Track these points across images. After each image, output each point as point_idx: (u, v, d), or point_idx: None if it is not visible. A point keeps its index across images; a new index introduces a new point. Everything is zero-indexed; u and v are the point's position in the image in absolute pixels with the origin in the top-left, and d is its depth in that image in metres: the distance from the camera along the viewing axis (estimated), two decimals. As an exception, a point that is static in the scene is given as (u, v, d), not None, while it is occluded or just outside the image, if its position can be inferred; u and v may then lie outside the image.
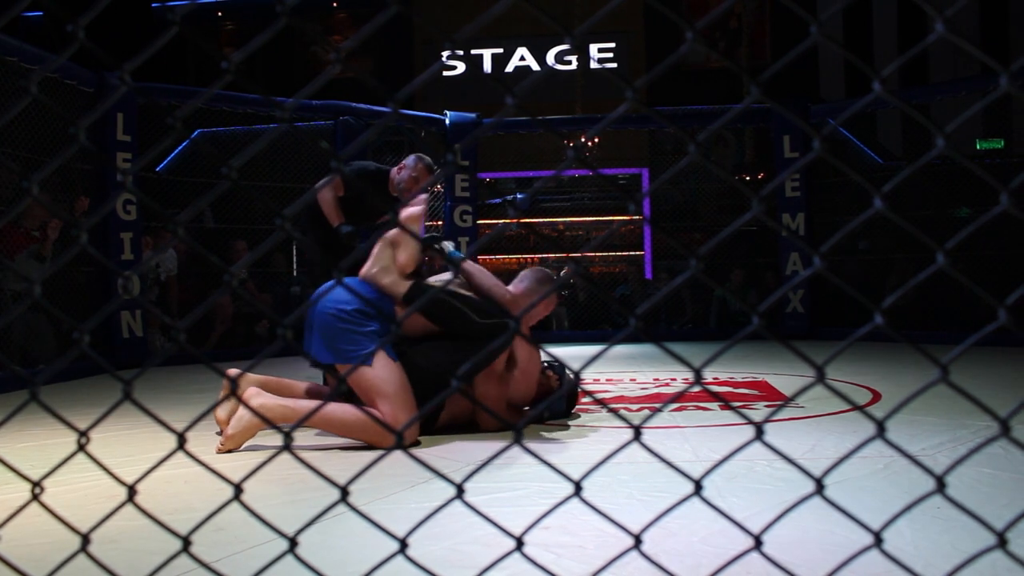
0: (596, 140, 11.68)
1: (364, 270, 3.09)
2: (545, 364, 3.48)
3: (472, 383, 3.14)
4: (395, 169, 4.41)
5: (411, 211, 3.19)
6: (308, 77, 12.91)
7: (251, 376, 3.27)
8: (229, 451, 2.87)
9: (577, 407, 3.74)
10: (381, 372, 2.91)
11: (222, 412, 3.15)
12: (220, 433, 3.16)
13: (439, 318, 3.06)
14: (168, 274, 6.86)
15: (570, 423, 3.40)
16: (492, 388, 3.15)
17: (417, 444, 2.98)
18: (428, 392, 2.98)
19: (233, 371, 3.13)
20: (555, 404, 3.42)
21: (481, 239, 8.62)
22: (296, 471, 2.54)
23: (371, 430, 2.88)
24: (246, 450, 2.93)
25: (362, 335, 2.94)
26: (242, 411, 2.87)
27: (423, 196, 3.09)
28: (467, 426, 3.23)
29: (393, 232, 3.06)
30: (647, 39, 13.12)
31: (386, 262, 3.06)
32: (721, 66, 12.85)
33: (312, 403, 3.03)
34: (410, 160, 4.37)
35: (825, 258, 0.82)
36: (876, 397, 3.91)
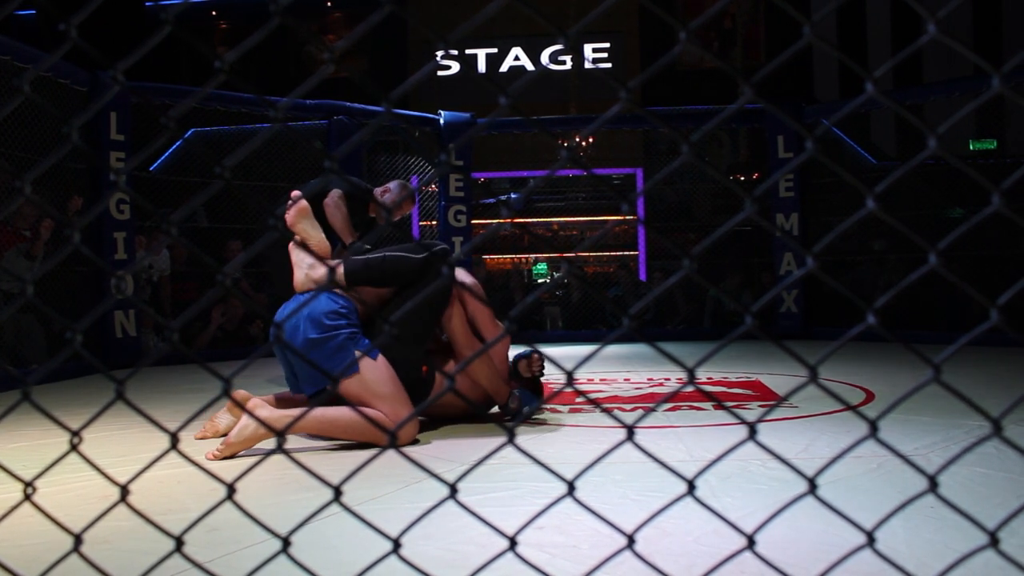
0: (590, 140, 11.70)
1: (297, 282, 3.08)
2: (529, 351, 3.49)
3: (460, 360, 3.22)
4: (379, 190, 4.40)
5: (290, 211, 3.19)
6: (302, 77, 12.89)
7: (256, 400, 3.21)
8: (224, 458, 2.81)
9: (571, 407, 3.74)
10: (371, 375, 2.91)
11: (222, 423, 3.15)
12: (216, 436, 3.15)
13: (384, 275, 3.07)
14: (161, 274, 6.84)
15: (564, 422, 3.40)
16: (484, 365, 3.21)
17: (416, 442, 2.99)
18: (412, 383, 3.04)
19: (242, 393, 3.09)
20: (532, 401, 3.42)
21: (475, 239, 8.58)
22: (289, 471, 2.54)
23: (376, 430, 2.88)
24: (240, 450, 2.93)
25: (343, 345, 2.94)
26: (246, 421, 2.81)
27: (295, 193, 3.18)
28: (459, 417, 3.32)
29: (290, 229, 3.10)
30: (641, 39, 13.13)
31: (309, 260, 3.05)
32: (715, 66, 12.87)
33: (317, 411, 2.97)
34: (394, 185, 4.37)
35: (818, 258, 0.82)
36: (869, 397, 3.92)
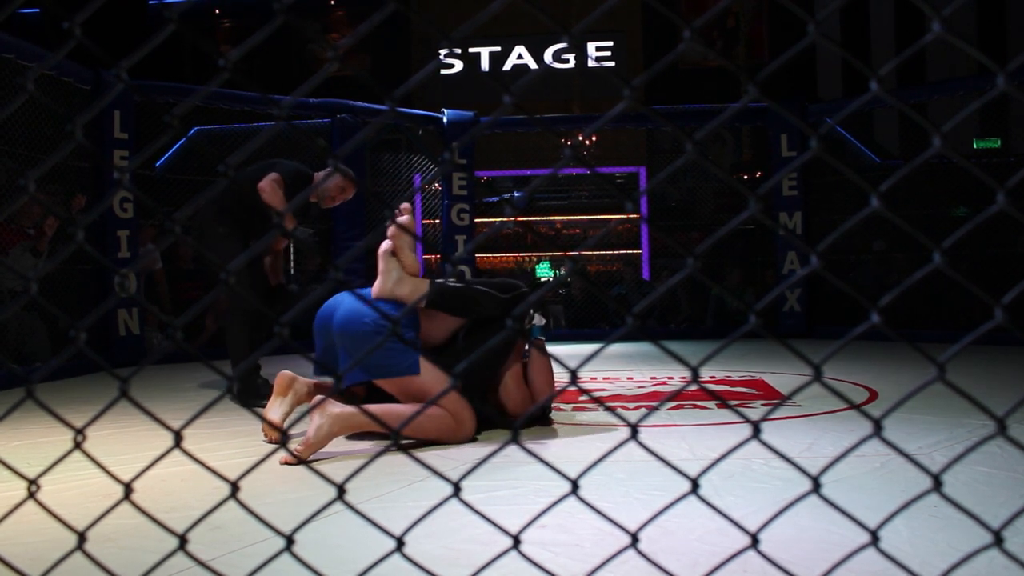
0: (593, 139, 11.68)
1: (378, 288, 3.03)
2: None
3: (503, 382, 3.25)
4: (319, 174, 4.35)
5: (402, 219, 3.16)
6: (305, 75, 12.89)
7: (301, 379, 3.12)
8: (299, 462, 2.66)
9: (574, 406, 3.74)
10: (432, 376, 2.93)
11: (275, 414, 3.00)
12: (271, 441, 3.03)
13: (466, 308, 3.12)
14: (156, 267, 6.82)
15: (566, 422, 3.39)
16: (518, 392, 3.25)
17: (475, 440, 3.01)
18: (470, 390, 3.11)
19: (287, 373, 3.04)
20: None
21: (478, 237, 8.59)
22: (293, 469, 2.54)
23: (444, 428, 2.93)
24: (242, 448, 2.93)
25: (413, 341, 2.95)
26: (321, 421, 2.72)
27: (405, 206, 3.16)
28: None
29: (387, 243, 3.04)
30: (644, 38, 13.12)
31: (397, 273, 3.02)
32: (719, 65, 12.85)
33: (384, 408, 2.93)
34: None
35: (822, 257, 0.82)
36: (873, 396, 3.91)
